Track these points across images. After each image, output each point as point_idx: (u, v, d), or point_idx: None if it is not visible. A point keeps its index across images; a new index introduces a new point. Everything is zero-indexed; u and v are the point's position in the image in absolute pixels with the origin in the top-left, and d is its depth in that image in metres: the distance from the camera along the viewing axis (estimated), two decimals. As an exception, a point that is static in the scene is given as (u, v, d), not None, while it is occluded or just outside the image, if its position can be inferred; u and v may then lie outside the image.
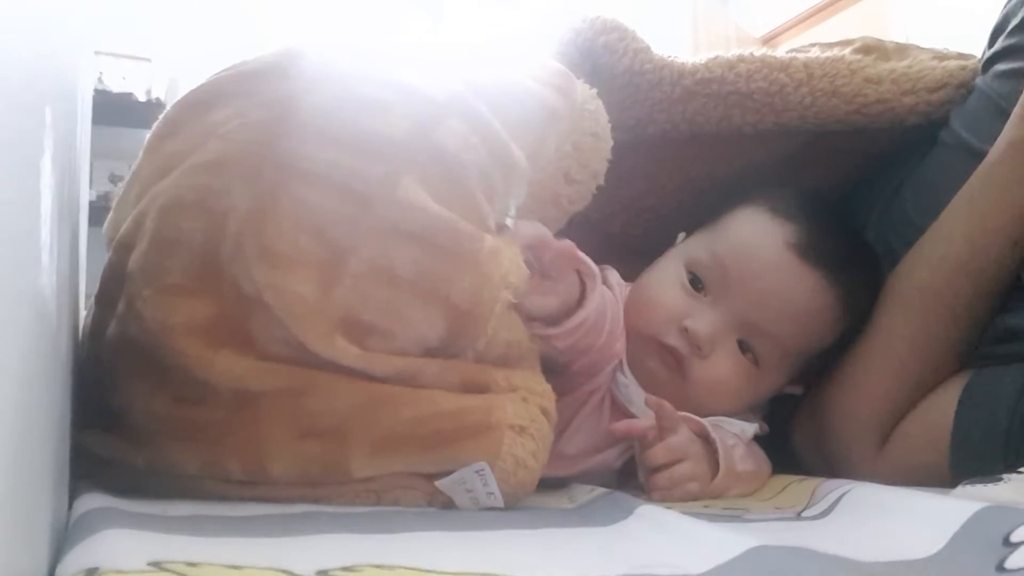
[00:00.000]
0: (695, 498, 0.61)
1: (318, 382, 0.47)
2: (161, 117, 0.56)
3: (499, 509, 0.49)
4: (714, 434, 0.63)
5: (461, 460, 0.48)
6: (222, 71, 0.57)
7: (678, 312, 0.66)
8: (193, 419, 0.47)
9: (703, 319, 0.65)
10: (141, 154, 0.56)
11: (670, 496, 0.60)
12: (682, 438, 0.62)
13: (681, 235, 0.74)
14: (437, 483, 0.48)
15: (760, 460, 0.68)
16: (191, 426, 0.47)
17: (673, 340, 0.65)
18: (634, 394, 0.66)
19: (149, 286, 0.47)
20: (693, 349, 0.65)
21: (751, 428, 0.67)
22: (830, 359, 0.69)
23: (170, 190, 0.49)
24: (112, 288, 0.50)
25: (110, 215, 0.56)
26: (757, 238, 0.67)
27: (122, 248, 0.50)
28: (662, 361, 0.66)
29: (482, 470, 0.48)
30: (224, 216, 0.47)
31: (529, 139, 0.57)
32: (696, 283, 0.67)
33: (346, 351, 0.47)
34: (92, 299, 0.56)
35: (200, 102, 0.55)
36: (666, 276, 0.69)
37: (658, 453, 0.61)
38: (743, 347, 0.66)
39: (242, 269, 0.46)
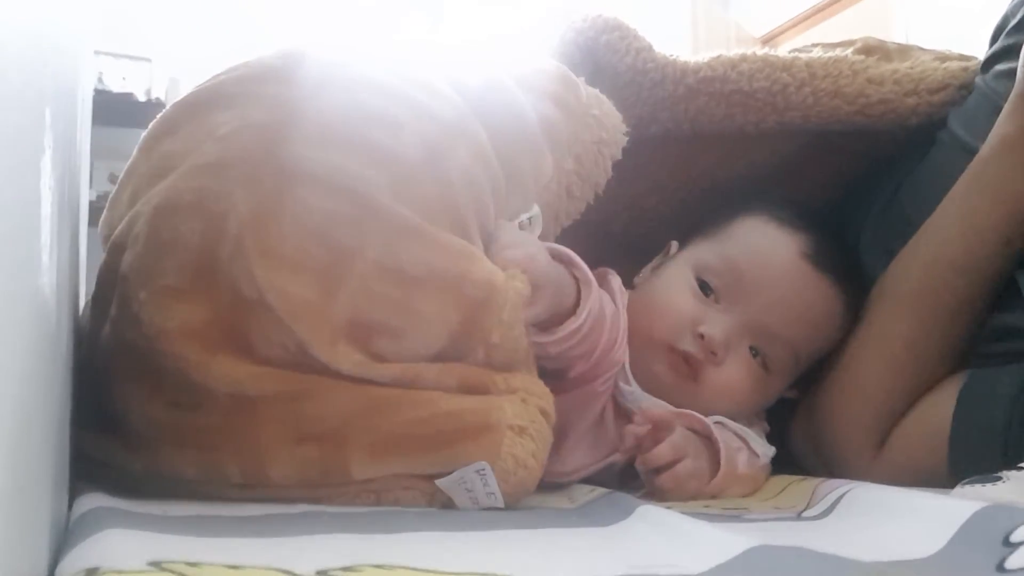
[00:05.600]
0: (694, 496, 0.61)
1: (316, 386, 0.47)
2: (159, 116, 0.56)
3: (499, 509, 0.49)
4: (717, 434, 0.63)
5: (461, 460, 0.48)
6: (222, 72, 0.57)
7: (692, 317, 0.66)
8: (190, 424, 0.47)
9: (718, 325, 0.65)
10: (135, 153, 0.55)
11: (674, 496, 0.60)
12: (680, 436, 0.62)
13: (673, 243, 0.74)
14: (438, 482, 0.48)
15: (762, 464, 0.68)
16: (189, 431, 0.47)
17: (688, 346, 0.65)
18: (641, 400, 0.66)
19: (144, 288, 0.47)
20: (708, 355, 0.65)
21: (770, 450, 0.68)
22: (822, 363, 0.71)
23: (166, 192, 0.49)
24: (107, 290, 0.50)
25: (104, 214, 0.56)
26: (771, 246, 0.69)
27: (115, 249, 0.50)
28: (673, 367, 0.66)
29: (483, 470, 0.48)
30: (223, 218, 0.47)
31: (527, 161, 0.58)
32: (706, 289, 0.68)
33: (348, 357, 0.47)
34: (88, 300, 0.56)
35: (199, 103, 0.54)
36: (675, 282, 0.69)
37: (663, 451, 0.61)
38: (754, 352, 0.66)
39: (243, 271, 0.46)
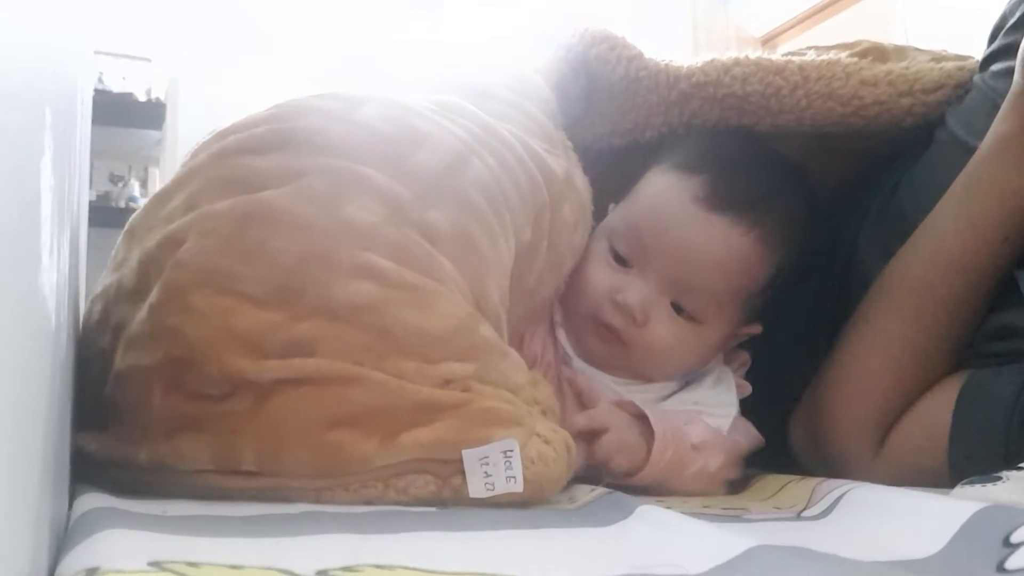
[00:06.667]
0: (629, 472, 0.63)
1: (372, 377, 0.48)
2: (248, 131, 0.56)
3: (498, 509, 0.49)
4: (644, 409, 0.65)
5: (489, 441, 0.49)
6: (339, 101, 0.58)
7: (608, 288, 0.68)
8: (213, 412, 0.47)
9: (633, 291, 0.67)
10: (204, 157, 0.55)
11: (610, 472, 0.62)
12: (601, 409, 0.64)
13: (612, 205, 0.75)
14: (464, 451, 0.49)
15: (738, 432, 0.69)
16: (209, 419, 0.47)
17: (609, 316, 0.67)
18: (595, 379, 0.69)
19: (212, 285, 0.48)
20: (629, 321, 0.67)
21: (727, 418, 0.69)
22: (775, 294, 0.71)
23: (262, 205, 0.50)
24: (146, 278, 0.50)
25: (148, 203, 0.56)
26: (664, 198, 0.69)
27: (170, 242, 0.50)
28: (601, 338, 0.68)
29: (510, 450, 0.49)
30: (328, 251, 0.49)
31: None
32: (619, 257, 0.69)
33: (436, 374, 0.50)
34: (93, 295, 0.56)
35: (291, 135, 0.55)
36: (592, 255, 0.71)
37: (577, 419, 0.63)
38: (677, 308, 0.67)
39: (363, 309, 0.48)
